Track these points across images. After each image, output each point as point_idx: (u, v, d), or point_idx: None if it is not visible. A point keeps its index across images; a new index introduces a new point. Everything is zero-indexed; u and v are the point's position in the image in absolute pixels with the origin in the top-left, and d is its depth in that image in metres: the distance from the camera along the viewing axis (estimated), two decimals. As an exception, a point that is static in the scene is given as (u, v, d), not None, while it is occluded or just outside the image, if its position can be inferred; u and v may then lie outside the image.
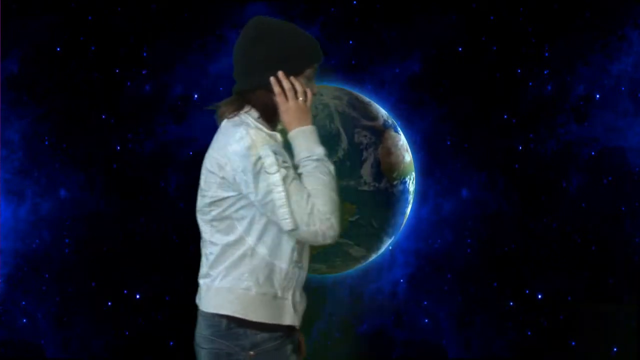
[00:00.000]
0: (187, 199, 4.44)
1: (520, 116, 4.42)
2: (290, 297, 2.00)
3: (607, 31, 4.34)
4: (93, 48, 4.41)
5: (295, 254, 1.99)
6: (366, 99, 4.24)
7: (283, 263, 1.98)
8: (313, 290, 4.68)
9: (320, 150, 1.97)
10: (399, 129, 4.27)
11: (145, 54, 4.44)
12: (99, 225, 4.43)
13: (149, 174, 4.46)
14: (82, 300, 4.46)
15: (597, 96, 4.37)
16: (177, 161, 4.42)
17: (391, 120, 4.25)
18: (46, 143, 4.44)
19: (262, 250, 1.96)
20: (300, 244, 1.98)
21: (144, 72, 4.44)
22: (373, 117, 4.13)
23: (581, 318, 4.42)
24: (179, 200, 4.42)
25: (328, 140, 3.78)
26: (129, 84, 4.43)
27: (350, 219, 3.91)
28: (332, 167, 1.97)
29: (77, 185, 4.45)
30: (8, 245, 4.43)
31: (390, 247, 4.36)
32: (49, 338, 4.46)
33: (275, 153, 1.89)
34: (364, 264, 4.28)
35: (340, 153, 3.89)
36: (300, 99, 1.98)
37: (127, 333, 4.46)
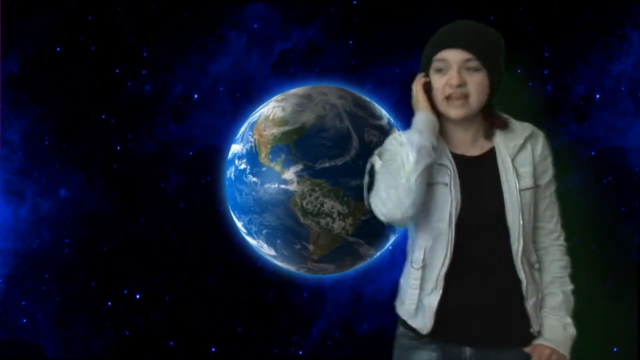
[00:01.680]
0: (187, 199, 4.48)
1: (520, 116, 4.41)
2: (415, 299, 2.02)
3: (607, 31, 4.33)
4: (93, 48, 4.41)
5: (419, 253, 2.01)
6: (367, 98, 4.24)
7: (413, 262, 2.04)
8: (313, 290, 4.66)
9: (405, 137, 2.01)
10: (400, 129, 4.27)
11: (145, 54, 4.44)
12: (99, 225, 4.43)
13: (149, 174, 4.46)
14: (82, 300, 4.45)
15: (597, 96, 4.37)
16: (177, 161, 4.42)
17: (392, 120, 4.25)
18: (46, 143, 4.44)
19: (408, 246, 2.10)
20: (427, 245, 1.98)
21: (144, 72, 4.43)
22: (379, 116, 4.13)
23: (581, 318, 4.41)
24: (179, 200, 4.42)
25: (340, 139, 3.78)
26: (129, 84, 4.43)
27: (363, 217, 3.91)
28: (412, 155, 1.95)
29: (77, 185, 4.45)
30: (8, 245, 4.43)
31: (390, 247, 4.36)
32: (49, 338, 4.46)
33: (387, 146, 2.08)
34: (365, 263, 4.28)
35: (353, 152, 3.88)
36: (414, 88, 2.09)
37: (127, 333, 4.46)
